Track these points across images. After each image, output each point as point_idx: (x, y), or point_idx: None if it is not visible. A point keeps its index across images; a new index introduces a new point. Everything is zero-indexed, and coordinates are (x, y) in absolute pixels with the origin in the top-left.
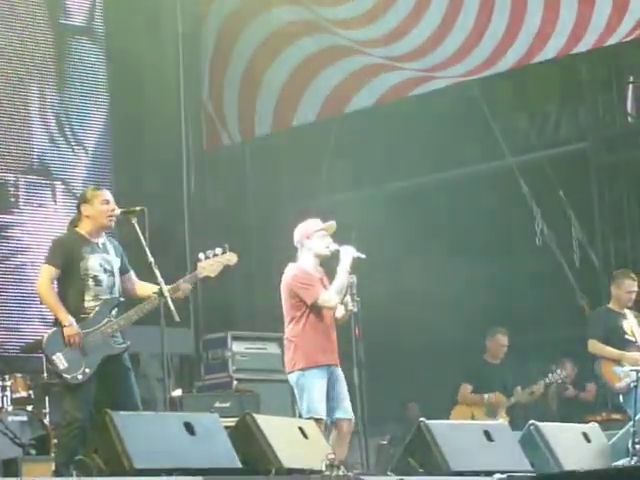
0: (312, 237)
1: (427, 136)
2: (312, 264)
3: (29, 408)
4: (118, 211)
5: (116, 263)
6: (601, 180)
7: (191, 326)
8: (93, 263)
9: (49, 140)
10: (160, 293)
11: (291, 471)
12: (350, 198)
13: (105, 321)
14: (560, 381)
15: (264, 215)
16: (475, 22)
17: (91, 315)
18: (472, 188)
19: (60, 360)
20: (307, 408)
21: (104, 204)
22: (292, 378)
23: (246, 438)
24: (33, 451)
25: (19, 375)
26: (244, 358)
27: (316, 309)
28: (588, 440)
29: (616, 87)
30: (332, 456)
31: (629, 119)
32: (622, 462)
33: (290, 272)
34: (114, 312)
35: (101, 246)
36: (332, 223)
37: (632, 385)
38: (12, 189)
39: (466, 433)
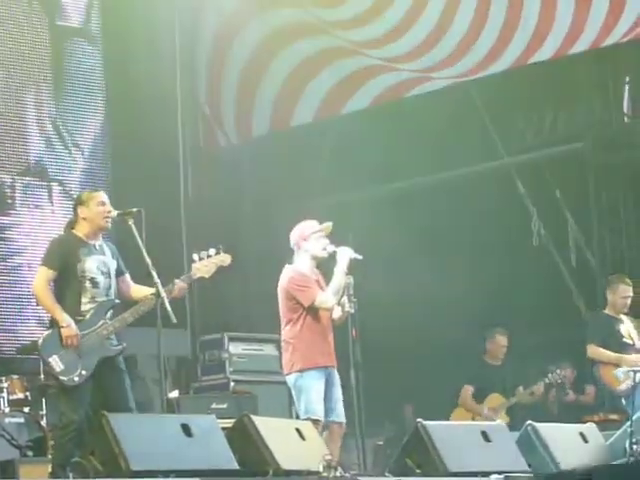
0: (309, 239)
1: (424, 137)
2: (309, 266)
3: (26, 410)
4: (114, 213)
5: (112, 265)
6: (598, 180)
7: (188, 327)
8: (90, 265)
9: (46, 141)
10: (157, 294)
11: (288, 472)
12: (347, 199)
13: (100, 323)
14: (560, 381)
15: (261, 216)
16: (471, 23)
17: (87, 317)
18: (469, 188)
19: (56, 362)
20: (305, 409)
21: (100, 206)
22: (290, 380)
23: (243, 439)
24: (30, 453)
25: (16, 377)
26: (241, 359)
27: (313, 311)
28: (585, 440)
29: (613, 87)
30: (329, 457)
31: (626, 119)
32: (619, 462)
33: (287, 274)
34: (109, 314)
35: (98, 248)
36: (329, 224)
37: (631, 385)
38: (9, 191)
39: (463, 434)
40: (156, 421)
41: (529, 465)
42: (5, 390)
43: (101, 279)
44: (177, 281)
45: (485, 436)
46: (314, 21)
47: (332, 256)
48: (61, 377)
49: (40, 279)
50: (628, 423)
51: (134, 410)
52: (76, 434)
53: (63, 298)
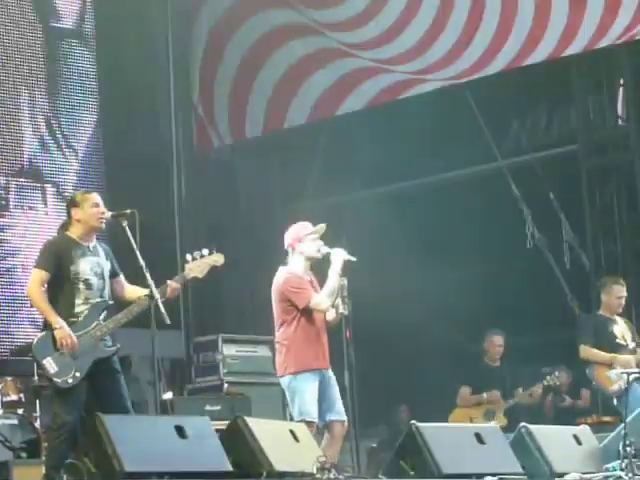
0: (303, 240)
1: (418, 138)
2: (303, 267)
3: (20, 411)
4: (108, 214)
5: (106, 266)
6: (592, 182)
7: (182, 329)
8: (84, 267)
9: (39, 143)
10: (151, 296)
11: (282, 474)
12: (341, 200)
13: (94, 324)
14: (558, 383)
15: (255, 217)
16: (465, 25)
17: (80, 319)
18: (463, 191)
19: (50, 364)
20: (299, 411)
21: (94, 207)
22: (284, 381)
23: (237, 441)
24: (24, 454)
25: (9, 378)
26: (235, 361)
27: (307, 312)
28: (579, 442)
29: (607, 90)
30: (323, 459)
31: (619, 122)
32: (613, 465)
33: (281, 276)
34: (103, 315)
35: (92, 249)
36: (322, 226)
37: (623, 388)
38: (2, 192)
39: (457, 436)
40: (150, 423)
41: (523, 467)
42: None
43: (95, 280)
44: (169, 282)
45: (479, 438)
46: (308, 22)
47: (325, 257)
48: (55, 379)
49: (34, 282)
50: (622, 425)
51: (131, 410)
52: (70, 436)
53: (57, 300)
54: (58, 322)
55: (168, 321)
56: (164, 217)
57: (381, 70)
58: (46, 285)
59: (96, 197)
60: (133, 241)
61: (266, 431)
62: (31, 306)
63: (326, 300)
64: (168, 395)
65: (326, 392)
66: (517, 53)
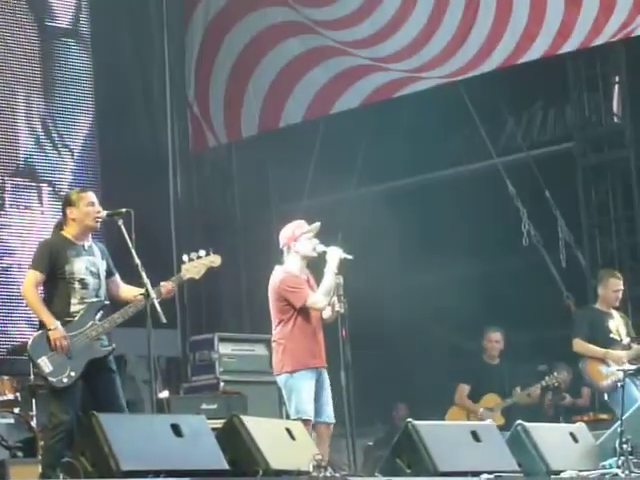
0: (299, 239)
1: (413, 136)
2: (299, 266)
3: (16, 410)
4: (104, 213)
5: (102, 266)
6: (587, 180)
7: (178, 328)
8: (79, 266)
9: (35, 142)
10: (147, 295)
11: (278, 472)
12: (336, 199)
13: (90, 324)
14: (556, 384)
15: (250, 216)
16: (460, 23)
17: (76, 318)
18: (459, 188)
19: (45, 364)
20: (295, 409)
21: (89, 206)
22: (280, 380)
23: (233, 440)
24: (20, 454)
25: (6, 377)
26: (231, 360)
27: (304, 311)
28: (575, 440)
29: (602, 87)
30: (319, 457)
31: (615, 119)
32: (609, 462)
33: (277, 275)
34: (99, 315)
35: (87, 249)
36: (317, 224)
37: (619, 385)
38: None
39: (453, 434)
40: (146, 421)
41: (519, 465)
42: None
43: (90, 280)
44: (164, 283)
45: (475, 436)
46: (303, 21)
47: (321, 256)
48: (50, 378)
49: (29, 282)
50: (618, 423)
51: (125, 410)
52: (66, 435)
53: (52, 300)
54: (53, 323)
55: (164, 320)
56: (160, 216)
57: (376, 68)
58: (42, 286)
59: (91, 196)
60: (129, 240)
61: (262, 430)
62: (27, 306)
63: (323, 299)
64: (164, 394)
65: (319, 394)
66: (512, 51)
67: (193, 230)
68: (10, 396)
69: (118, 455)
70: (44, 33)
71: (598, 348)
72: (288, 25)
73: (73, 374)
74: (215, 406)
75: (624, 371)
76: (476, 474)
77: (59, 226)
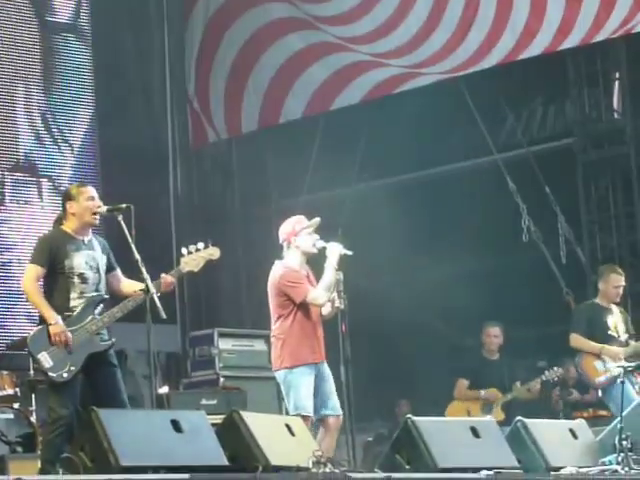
0: (299, 235)
1: (413, 132)
2: (299, 261)
3: (15, 406)
4: (104, 208)
5: (102, 260)
6: (587, 176)
7: (178, 323)
8: (79, 261)
9: (35, 137)
10: (146, 290)
11: (278, 468)
12: (337, 194)
13: (89, 318)
14: (556, 378)
15: (250, 211)
16: (461, 18)
17: (75, 313)
18: (459, 184)
19: (45, 358)
20: (294, 405)
21: (89, 200)
22: (279, 375)
23: (233, 435)
24: (20, 449)
25: (5, 372)
26: (231, 355)
27: (304, 307)
28: (575, 436)
29: (602, 83)
30: (319, 453)
31: (615, 115)
32: (609, 458)
33: (277, 270)
34: (99, 309)
35: (87, 243)
36: (317, 220)
37: (619, 381)
38: None
39: (453, 430)
40: (146, 417)
41: (519, 461)
42: None
43: (90, 274)
44: (164, 276)
45: (475, 432)
46: (304, 16)
47: (321, 252)
48: (50, 373)
49: (29, 277)
50: (618, 419)
51: (127, 404)
52: (65, 430)
53: (52, 294)
54: (53, 317)
55: (164, 315)
56: (160, 211)
57: (377, 64)
58: (42, 280)
59: (91, 190)
60: (129, 235)
61: (262, 425)
62: (27, 300)
63: (323, 295)
64: (164, 389)
65: (320, 386)
66: (513, 47)
67: (193, 225)
68: (10, 391)
69: (117, 450)
70: (44, 28)
71: (594, 343)
72: (288, 21)
73: (73, 369)
74: (215, 402)
75: (623, 368)
76: (475, 470)
77: (59, 220)
